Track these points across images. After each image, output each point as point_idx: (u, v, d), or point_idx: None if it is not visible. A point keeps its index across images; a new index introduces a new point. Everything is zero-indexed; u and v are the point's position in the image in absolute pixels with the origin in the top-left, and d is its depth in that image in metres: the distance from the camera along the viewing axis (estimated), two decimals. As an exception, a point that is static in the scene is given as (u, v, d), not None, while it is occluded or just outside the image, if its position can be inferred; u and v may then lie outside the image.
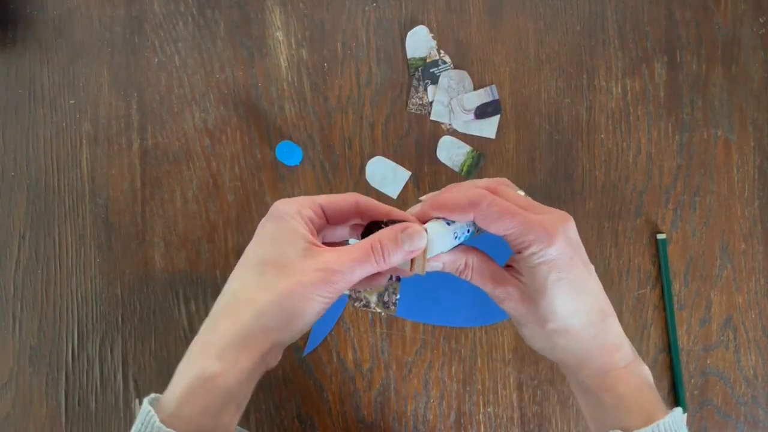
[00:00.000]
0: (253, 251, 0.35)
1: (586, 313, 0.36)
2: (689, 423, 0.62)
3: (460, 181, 0.62)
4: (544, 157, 0.63)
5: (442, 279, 0.61)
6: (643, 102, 0.63)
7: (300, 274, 0.33)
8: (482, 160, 0.62)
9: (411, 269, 0.36)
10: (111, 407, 0.61)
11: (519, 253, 0.37)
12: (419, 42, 0.62)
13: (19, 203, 0.62)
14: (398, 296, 0.61)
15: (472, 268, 0.39)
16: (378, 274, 0.36)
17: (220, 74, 0.63)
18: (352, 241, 0.39)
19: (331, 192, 0.62)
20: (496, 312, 0.62)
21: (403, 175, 0.62)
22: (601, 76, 0.63)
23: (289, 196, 0.61)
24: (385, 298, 0.61)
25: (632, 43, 0.63)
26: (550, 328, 0.36)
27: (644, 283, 0.63)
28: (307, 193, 0.62)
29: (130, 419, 0.61)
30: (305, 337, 0.61)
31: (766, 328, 0.63)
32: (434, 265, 0.37)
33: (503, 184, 0.39)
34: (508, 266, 0.39)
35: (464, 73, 0.62)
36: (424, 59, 0.62)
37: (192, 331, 0.62)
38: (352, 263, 0.33)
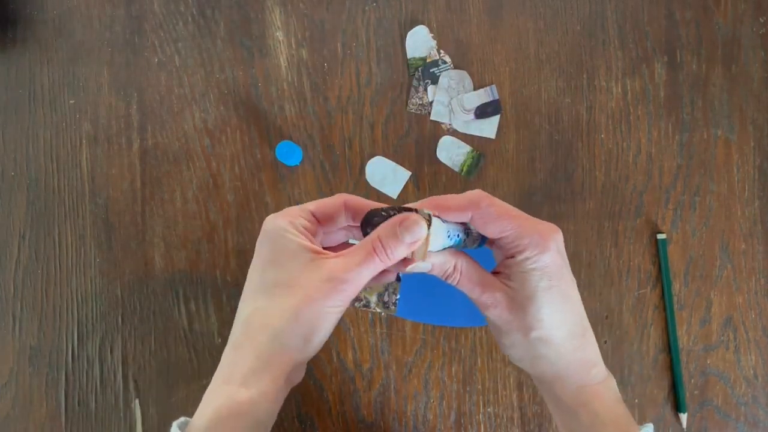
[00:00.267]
0: (258, 275, 0.35)
1: (570, 325, 0.36)
2: (689, 423, 0.62)
3: (460, 181, 0.62)
4: (544, 157, 0.63)
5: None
6: (643, 102, 0.63)
7: (308, 289, 0.32)
8: (482, 160, 0.62)
9: (413, 258, 0.35)
10: (111, 407, 0.61)
11: (512, 257, 0.36)
12: (419, 42, 0.62)
13: (19, 203, 0.62)
14: (398, 296, 0.61)
15: (460, 272, 0.38)
16: (385, 270, 0.36)
17: (220, 74, 0.63)
18: (353, 240, 0.39)
19: (331, 192, 0.62)
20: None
21: (403, 175, 0.62)
22: (601, 76, 0.63)
23: (290, 196, 0.62)
24: (385, 298, 0.61)
25: (632, 43, 0.63)
26: (534, 336, 0.35)
27: (644, 283, 0.63)
28: (307, 193, 0.62)
29: (130, 419, 0.61)
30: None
31: (766, 328, 0.63)
32: (423, 266, 0.36)
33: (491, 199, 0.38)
34: (495, 272, 0.39)
35: (464, 73, 0.62)
36: (424, 59, 0.62)
37: (192, 330, 0.62)
38: (359, 267, 0.33)
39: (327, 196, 0.61)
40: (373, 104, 0.62)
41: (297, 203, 0.61)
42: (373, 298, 0.61)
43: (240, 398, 0.32)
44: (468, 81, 0.62)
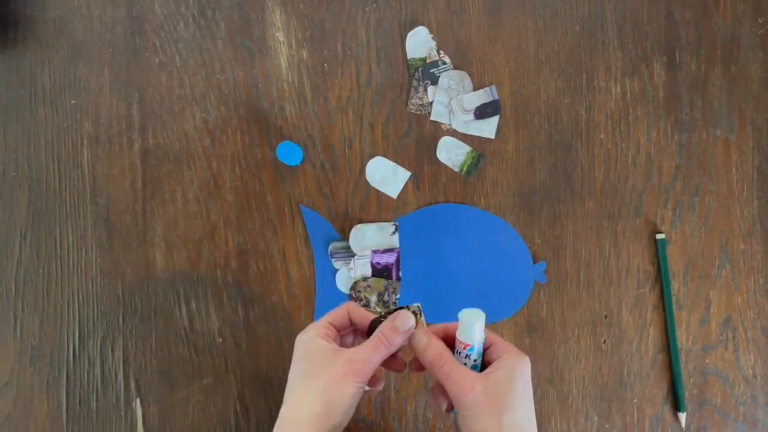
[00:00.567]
0: (296, 371, 0.44)
1: (531, 421, 0.42)
2: (688, 422, 0.62)
3: (460, 181, 0.62)
4: (543, 157, 0.63)
5: (442, 278, 0.62)
6: (642, 102, 0.63)
7: (332, 370, 0.42)
8: (482, 160, 0.62)
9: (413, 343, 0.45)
10: (112, 407, 0.62)
11: (495, 360, 0.44)
12: (419, 42, 0.62)
13: (20, 203, 0.62)
14: (398, 296, 0.61)
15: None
16: (394, 356, 0.46)
17: (221, 75, 0.63)
18: None
19: (330, 192, 0.62)
20: (496, 311, 0.62)
21: (403, 175, 0.62)
22: (601, 77, 0.63)
23: (290, 196, 0.62)
24: (385, 298, 0.61)
25: (632, 44, 0.63)
26: (505, 420, 0.41)
27: (643, 283, 0.63)
28: (307, 194, 0.62)
29: (131, 418, 0.61)
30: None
31: (765, 327, 0.63)
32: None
33: None
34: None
35: (464, 74, 0.62)
36: (424, 60, 0.62)
37: (193, 330, 0.62)
38: (369, 352, 0.43)
39: (327, 196, 0.62)
40: (373, 104, 0.63)
41: (297, 203, 0.62)
42: (373, 298, 0.61)
43: None
44: (468, 81, 0.62)
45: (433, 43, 0.62)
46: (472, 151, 0.62)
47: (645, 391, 0.62)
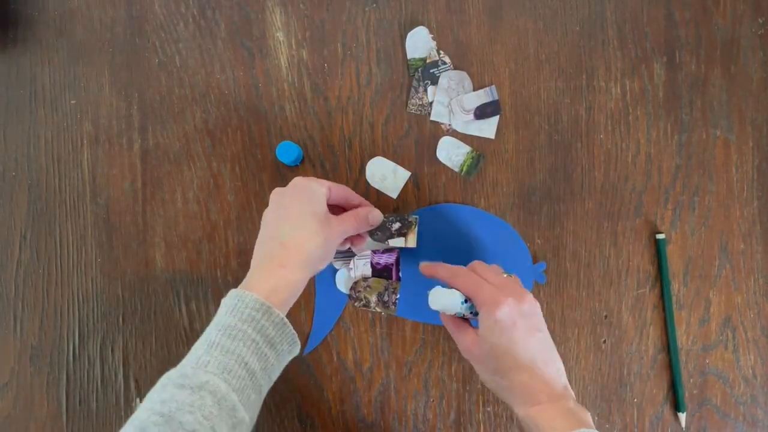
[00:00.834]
0: (297, 207, 0.51)
1: (519, 364, 0.47)
2: (688, 422, 0.62)
3: (459, 181, 0.62)
4: (543, 158, 0.63)
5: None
6: (642, 102, 0.63)
7: (331, 227, 0.51)
8: (482, 160, 0.62)
9: (406, 244, 0.59)
10: (112, 407, 0.62)
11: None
12: (419, 42, 0.62)
13: (20, 203, 0.62)
14: (398, 296, 0.61)
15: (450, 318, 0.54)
16: (359, 236, 0.58)
17: (221, 75, 0.63)
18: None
19: (331, 192, 0.62)
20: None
21: (403, 175, 0.62)
22: (601, 77, 0.63)
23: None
24: (385, 298, 0.61)
25: (631, 44, 0.63)
26: (491, 369, 0.49)
27: (643, 283, 0.63)
28: (307, 193, 0.62)
29: (130, 419, 0.61)
30: (306, 336, 0.62)
31: (765, 327, 0.63)
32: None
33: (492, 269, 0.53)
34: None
35: (464, 74, 0.62)
36: (424, 60, 0.62)
37: (193, 330, 0.62)
38: (352, 225, 0.54)
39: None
40: (373, 104, 0.63)
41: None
42: (373, 298, 0.61)
43: (294, 278, 0.49)
44: (468, 81, 0.62)
45: (433, 43, 0.62)
46: (472, 151, 0.62)
47: (645, 391, 0.62)
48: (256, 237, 0.62)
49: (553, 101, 0.63)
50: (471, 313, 0.50)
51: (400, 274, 0.62)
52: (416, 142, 0.62)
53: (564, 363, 0.61)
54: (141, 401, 0.61)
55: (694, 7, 0.63)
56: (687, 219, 0.63)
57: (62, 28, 0.63)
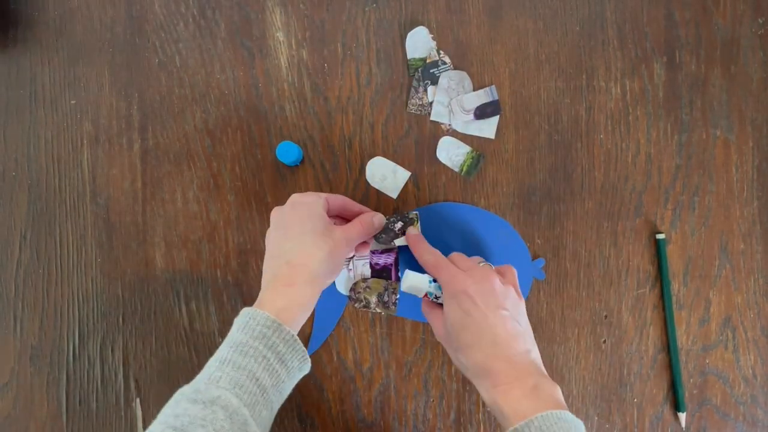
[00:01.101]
0: (298, 225, 0.51)
1: (479, 346, 0.48)
2: (688, 422, 0.62)
3: (459, 181, 0.62)
4: (543, 157, 0.63)
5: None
6: (642, 102, 0.63)
7: (334, 239, 0.51)
8: (482, 160, 0.62)
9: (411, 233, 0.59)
10: (112, 407, 0.62)
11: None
12: (419, 42, 0.62)
13: (20, 203, 0.62)
14: (398, 296, 0.61)
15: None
16: (364, 243, 0.59)
17: (221, 74, 0.63)
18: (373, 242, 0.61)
19: (330, 192, 0.62)
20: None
21: (403, 175, 0.62)
22: (601, 77, 0.63)
23: (290, 196, 0.62)
24: (385, 298, 0.61)
25: (631, 44, 0.63)
26: (455, 350, 0.51)
27: (643, 283, 0.63)
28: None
29: (131, 418, 0.61)
30: (307, 339, 0.62)
31: (765, 327, 0.63)
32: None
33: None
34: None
35: (464, 74, 0.62)
36: (423, 60, 0.62)
37: (193, 330, 0.62)
38: (357, 233, 0.54)
39: (327, 196, 0.62)
40: (373, 104, 0.63)
41: (297, 203, 0.62)
42: (373, 299, 0.61)
43: (303, 298, 0.49)
44: (468, 81, 0.62)
45: (433, 43, 0.62)
46: (472, 151, 0.62)
47: (645, 391, 0.62)
48: (255, 237, 0.62)
49: (553, 101, 0.63)
50: (440, 292, 0.52)
51: (400, 275, 0.62)
52: (416, 142, 0.62)
53: (564, 363, 0.61)
54: (141, 401, 0.61)
55: (694, 7, 0.63)
56: (687, 219, 0.63)
57: (62, 28, 0.63)
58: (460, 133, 0.62)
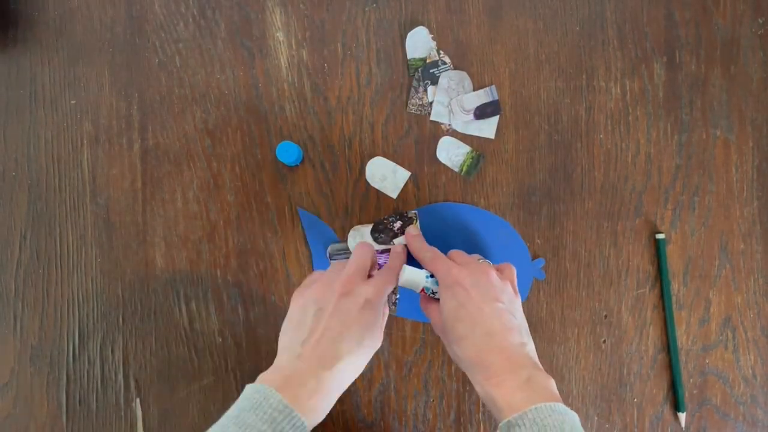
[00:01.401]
0: (357, 330, 0.49)
1: (473, 339, 0.48)
2: (688, 422, 0.62)
3: (459, 181, 0.62)
4: (543, 157, 0.63)
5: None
6: (642, 102, 0.63)
7: (377, 337, 0.52)
8: (482, 160, 0.62)
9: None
10: (112, 407, 0.62)
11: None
12: (419, 42, 0.62)
13: (20, 203, 0.62)
14: (398, 296, 0.61)
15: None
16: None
17: (221, 75, 0.63)
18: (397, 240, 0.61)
19: (330, 192, 0.62)
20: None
21: (403, 175, 0.62)
22: (601, 77, 0.63)
23: (290, 196, 0.62)
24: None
25: (631, 44, 0.63)
26: (450, 339, 0.50)
27: (643, 283, 0.63)
28: (307, 193, 0.62)
29: (131, 418, 0.61)
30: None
31: (765, 327, 0.63)
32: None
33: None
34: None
35: (464, 74, 0.62)
36: (423, 60, 0.62)
37: (192, 330, 0.62)
38: (389, 282, 0.53)
39: (327, 196, 0.62)
40: (373, 104, 0.63)
41: (297, 204, 0.62)
42: (373, 298, 0.61)
43: (327, 401, 0.47)
44: (468, 81, 0.62)
45: (433, 43, 0.62)
46: (472, 151, 0.62)
47: (645, 391, 0.62)
48: (255, 237, 0.62)
49: (553, 101, 0.63)
50: (437, 287, 0.53)
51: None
52: (416, 142, 0.62)
53: (564, 363, 0.61)
54: (141, 401, 0.61)
55: (694, 7, 0.63)
56: (687, 219, 0.63)
57: (62, 28, 0.63)
58: (460, 133, 0.62)
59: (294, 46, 0.63)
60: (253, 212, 0.62)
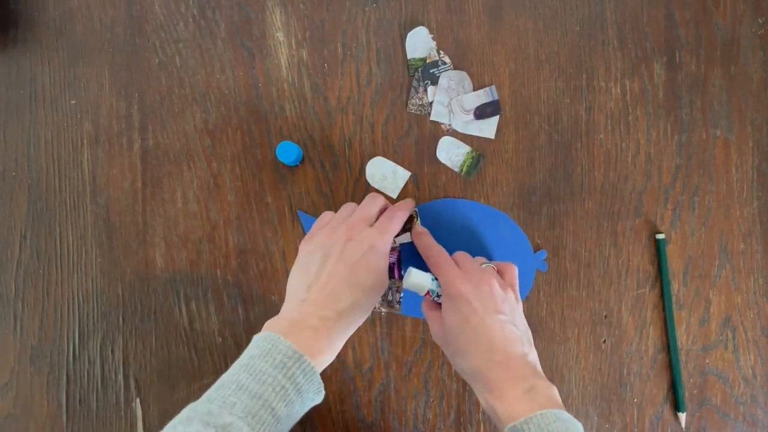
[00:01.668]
0: (364, 278, 0.51)
1: (475, 351, 0.48)
2: (688, 422, 0.62)
3: (459, 181, 0.62)
4: (543, 158, 0.63)
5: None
6: (642, 102, 0.63)
7: (385, 285, 0.53)
8: (482, 160, 0.62)
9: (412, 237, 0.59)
10: (112, 407, 0.62)
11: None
12: (419, 42, 0.62)
13: (20, 203, 0.62)
14: (402, 295, 0.61)
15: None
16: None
17: (221, 75, 0.63)
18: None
19: (330, 192, 0.62)
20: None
21: (403, 175, 0.62)
22: (601, 77, 0.63)
23: (290, 196, 0.62)
24: (389, 297, 0.61)
25: (631, 44, 0.63)
26: (451, 353, 0.51)
27: (643, 283, 0.63)
28: (307, 193, 0.62)
29: (131, 418, 0.61)
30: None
31: (765, 327, 0.63)
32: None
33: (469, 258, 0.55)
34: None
35: (464, 74, 0.62)
36: (423, 60, 0.62)
37: (193, 330, 0.62)
38: (396, 225, 0.55)
39: (327, 196, 0.62)
40: (373, 104, 0.63)
41: (297, 203, 0.62)
42: (373, 298, 0.61)
43: (337, 342, 0.51)
44: (468, 81, 0.62)
45: (433, 43, 0.62)
46: (472, 151, 0.62)
47: (645, 391, 0.62)
48: (255, 237, 0.62)
49: (553, 101, 0.63)
50: (440, 291, 0.53)
51: (402, 272, 0.61)
52: (416, 142, 0.62)
53: (564, 363, 0.61)
54: (141, 401, 0.61)
55: (694, 7, 0.63)
56: (687, 219, 0.63)
57: (62, 28, 0.63)
58: (460, 133, 0.62)
59: (294, 46, 0.63)
60: (253, 212, 0.62)
